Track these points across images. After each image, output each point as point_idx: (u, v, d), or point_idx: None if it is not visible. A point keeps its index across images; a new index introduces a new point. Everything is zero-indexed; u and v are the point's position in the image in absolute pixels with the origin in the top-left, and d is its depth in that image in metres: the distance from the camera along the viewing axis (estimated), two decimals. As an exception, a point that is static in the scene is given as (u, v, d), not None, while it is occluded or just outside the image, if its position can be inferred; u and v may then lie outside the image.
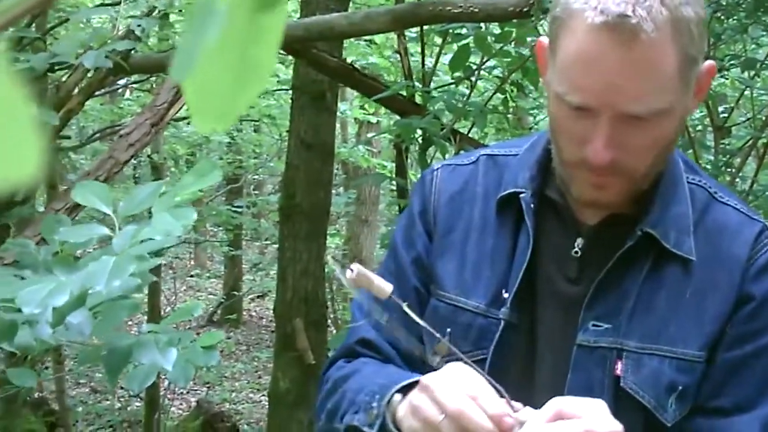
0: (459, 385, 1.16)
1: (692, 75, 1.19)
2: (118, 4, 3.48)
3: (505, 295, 1.33)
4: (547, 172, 1.33)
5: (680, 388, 1.27)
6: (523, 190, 1.34)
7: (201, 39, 0.40)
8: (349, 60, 6.54)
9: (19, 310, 1.43)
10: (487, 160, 1.42)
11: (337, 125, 5.19)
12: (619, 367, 1.27)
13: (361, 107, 8.11)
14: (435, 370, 1.37)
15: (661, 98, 1.15)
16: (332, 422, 1.37)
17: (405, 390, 1.25)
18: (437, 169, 1.45)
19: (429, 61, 4.28)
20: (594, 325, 1.29)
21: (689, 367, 1.28)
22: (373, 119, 8.83)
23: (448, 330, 1.36)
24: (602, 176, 1.21)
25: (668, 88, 1.15)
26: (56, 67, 3.06)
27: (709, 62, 1.24)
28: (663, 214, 1.29)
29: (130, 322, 8.56)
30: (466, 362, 1.23)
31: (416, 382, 1.23)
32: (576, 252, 1.32)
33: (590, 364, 1.28)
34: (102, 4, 4.91)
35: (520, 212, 1.34)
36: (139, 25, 3.12)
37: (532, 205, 1.33)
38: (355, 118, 9.76)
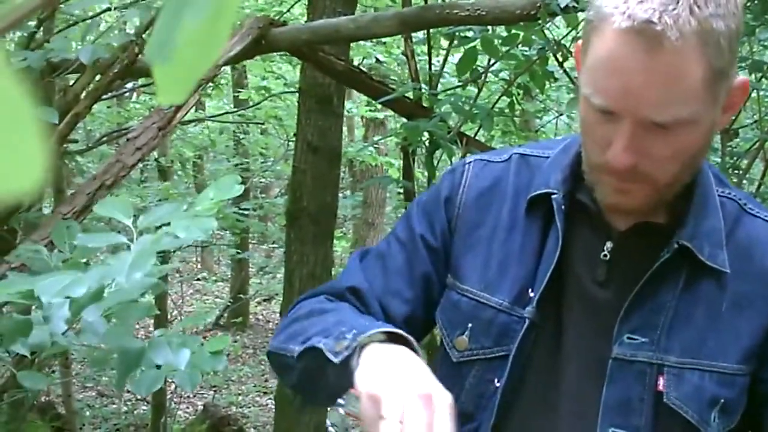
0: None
1: (721, 89, 1.18)
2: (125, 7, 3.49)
3: (531, 294, 1.33)
4: (578, 176, 1.34)
5: (722, 401, 1.27)
6: (555, 191, 1.34)
7: (183, 21, 0.40)
8: (356, 60, 6.57)
9: (30, 310, 1.43)
10: (519, 159, 1.43)
11: (344, 129, 5.19)
12: (661, 383, 1.27)
13: (368, 103, 8.13)
14: (453, 364, 1.36)
15: (684, 108, 1.15)
16: (287, 344, 1.34)
17: (384, 339, 1.21)
18: (470, 162, 1.45)
19: (436, 63, 4.28)
20: (629, 338, 1.29)
21: (730, 381, 1.28)
22: (381, 115, 8.83)
23: (470, 325, 1.36)
24: (624, 181, 1.22)
25: (692, 99, 1.15)
26: (55, 61, 3.04)
27: (742, 78, 1.24)
28: (697, 227, 1.29)
29: (137, 326, 8.57)
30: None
31: (397, 336, 1.21)
32: (605, 255, 1.32)
33: (628, 378, 1.28)
34: (107, 9, 4.92)
35: (550, 213, 1.34)
36: (138, 23, 3.11)
37: (563, 207, 1.33)
38: (362, 117, 9.77)
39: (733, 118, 4.14)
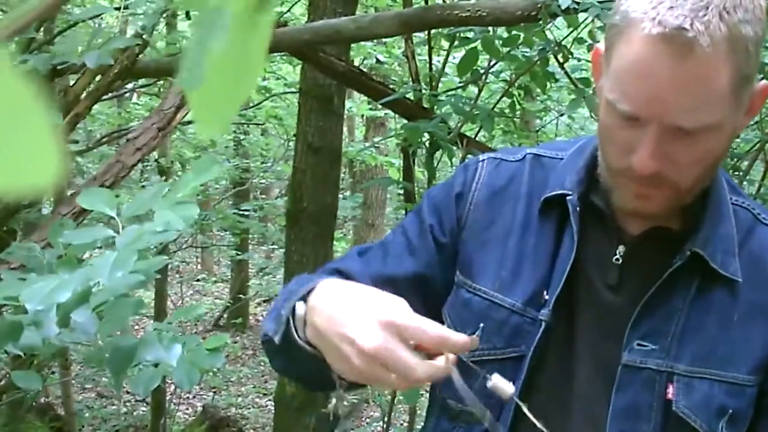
0: (374, 314, 1.12)
1: (745, 93, 1.18)
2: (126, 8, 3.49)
3: (546, 297, 1.32)
4: (593, 178, 1.33)
5: (730, 411, 1.26)
6: (570, 192, 1.33)
7: (208, 45, 0.40)
8: (356, 60, 6.56)
9: (25, 311, 1.43)
10: (533, 160, 1.42)
11: (345, 129, 5.19)
12: (671, 391, 1.26)
13: (368, 103, 8.14)
14: (461, 362, 1.35)
15: (711, 114, 1.15)
16: (265, 324, 1.35)
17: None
18: (483, 159, 1.44)
19: (437, 63, 4.28)
20: (639, 345, 1.28)
21: (739, 391, 1.27)
22: (381, 114, 8.84)
23: (481, 324, 1.34)
24: (646, 187, 1.21)
25: (719, 105, 1.15)
26: (59, 68, 3.05)
27: (764, 82, 1.24)
28: (710, 235, 1.28)
29: (136, 327, 8.57)
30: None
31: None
32: (617, 259, 1.31)
33: (637, 385, 1.27)
34: (116, 8, 4.91)
35: (564, 214, 1.33)
36: (141, 26, 3.11)
37: (578, 209, 1.32)
38: (362, 115, 9.78)
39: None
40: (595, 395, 1.29)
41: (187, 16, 5.82)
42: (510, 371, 1.31)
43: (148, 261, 1.42)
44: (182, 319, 1.70)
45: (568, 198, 1.33)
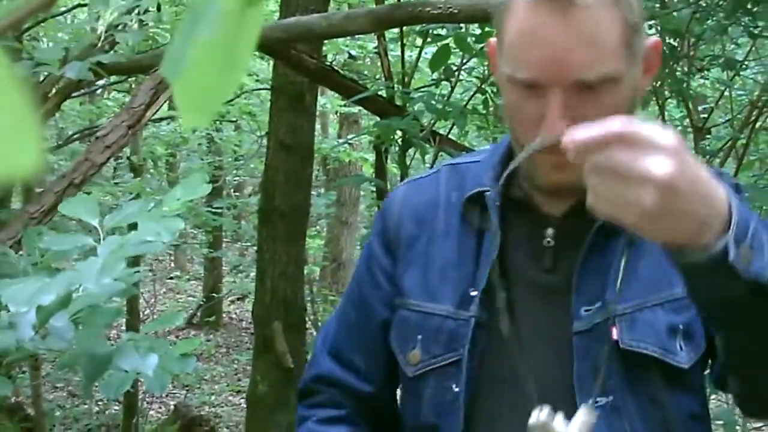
0: None
1: (637, 44, 1.22)
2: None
3: (473, 294, 1.33)
4: (509, 173, 1.33)
5: (681, 327, 1.28)
6: (488, 188, 1.35)
7: (194, 37, 0.40)
8: (329, 55, 6.54)
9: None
10: (448, 170, 1.45)
11: (318, 126, 5.17)
12: (615, 333, 1.27)
13: (342, 98, 8.14)
14: (409, 379, 1.37)
15: (607, 63, 1.18)
16: None
17: None
18: (400, 187, 1.50)
19: (410, 60, 4.27)
20: (586, 311, 1.29)
21: (683, 305, 1.28)
22: (355, 110, 8.83)
23: (419, 337, 1.36)
24: (561, 154, 1.20)
25: (613, 54, 1.18)
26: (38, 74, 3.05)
27: (654, 38, 1.27)
28: None
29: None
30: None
31: None
32: (548, 242, 1.33)
33: (592, 346, 1.28)
34: (80, 5, 4.87)
35: (485, 211, 1.35)
36: (125, 41, 3.10)
37: (497, 203, 1.34)
38: (336, 111, 9.75)
39: (706, 116, 4.15)
40: (559, 374, 1.29)
41: (158, 8, 5.78)
42: (452, 377, 1.33)
43: (127, 269, 1.41)
44: (160, 327, 1.68)
45: (486, 194, 1.35)
